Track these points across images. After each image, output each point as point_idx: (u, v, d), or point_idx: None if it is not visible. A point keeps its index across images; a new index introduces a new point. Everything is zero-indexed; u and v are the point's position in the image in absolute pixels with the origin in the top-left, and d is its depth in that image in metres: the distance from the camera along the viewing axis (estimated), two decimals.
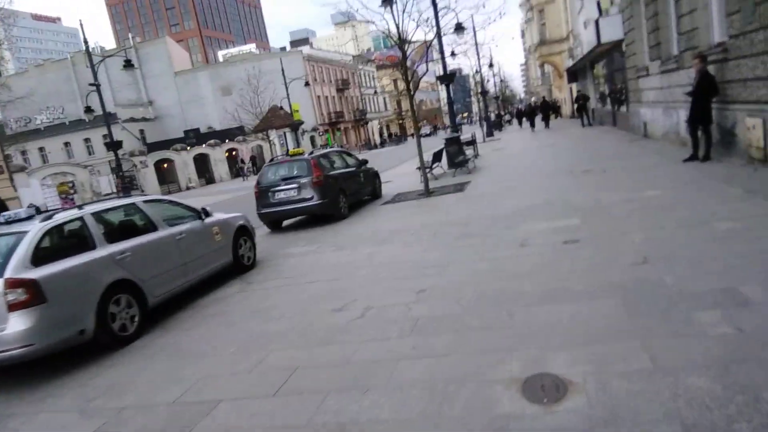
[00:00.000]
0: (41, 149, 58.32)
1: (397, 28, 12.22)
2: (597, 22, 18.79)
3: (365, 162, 13.44)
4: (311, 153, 11.46)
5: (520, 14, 77.80)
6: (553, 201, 8.88)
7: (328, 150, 12.53)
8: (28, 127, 59.36)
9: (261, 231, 11.58)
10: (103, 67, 63.77)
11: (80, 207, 5.88)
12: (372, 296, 5.58)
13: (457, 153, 17.18)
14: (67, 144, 59.25)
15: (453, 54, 36.26)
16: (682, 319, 3.74)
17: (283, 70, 38.02)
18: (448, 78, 17.96)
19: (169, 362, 4.86)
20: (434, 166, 16.48)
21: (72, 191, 26.72)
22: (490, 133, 35.40)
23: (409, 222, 9.53)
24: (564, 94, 46.10)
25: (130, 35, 68.29)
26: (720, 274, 4.36)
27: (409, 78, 12.82)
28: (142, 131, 60.87)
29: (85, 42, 21.24)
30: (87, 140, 58.90)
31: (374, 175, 13.89)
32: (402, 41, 12.35)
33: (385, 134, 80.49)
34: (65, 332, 5.00)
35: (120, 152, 46.17)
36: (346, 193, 11.63)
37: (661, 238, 5.67)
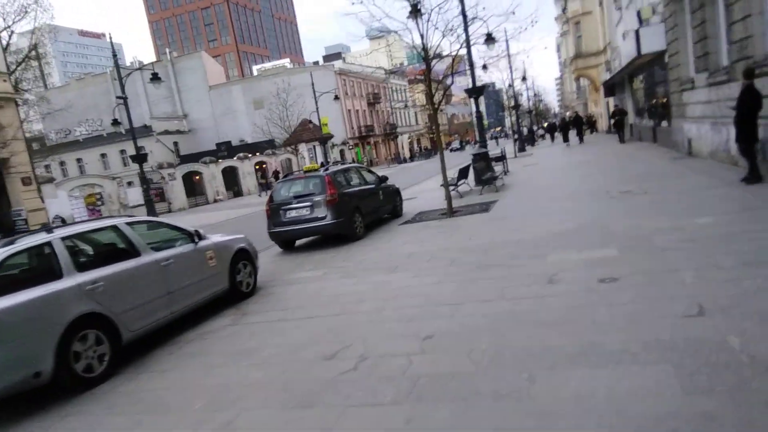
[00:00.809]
0: (79, 160, 59.79)
1: (422, 38, 11.52)
2: (637, 33, 17.69)
3: (385, 179, 12.70)
4: (326, 169, 10.80)
5: (555, 27, 76.45)
6: (587, 226, 7.93)
7: (345, 166, 11.85)
8: (68, 139, 61.12)
9: (272, 251, 10.96)
10: (140, 80, 65.50)
11: (50, 230, 5.29)
12: (370, 341, 4.79)
13: (484, 169, 16.29)
14: (103, 155, 60.59)
15: (485, 67, 35.41)
16: (758, 402, 2.83)
17: (313, 83, 37.87)
18: (477, 91, 17.14)
19: (126, 417, 4.17)
20: (460, 183, 15.64)
21: (99, 202, 26.86)
22: (522, 148, 34.31)
23: (427, 246, 8.72)
24: (600, 108, 44.59)
25: (167, 50, 69.88)
26: None
27: (434, 91, 12.07)
28: (176, 143, 61.84)
29: (114, 55, 21.33)
30: (123, 151, 60.09)
31: (394, 193, 13.14)
32: (426, 53, 11.63)
33: (416, 148, 79.85)
34: (16, 375, 4.38)
35: (148, 165, 47.03)
36: (362, 212, 10.91)
37: (718, 280, 4.71)
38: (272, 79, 57.54)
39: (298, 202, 10.22)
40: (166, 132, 60.93)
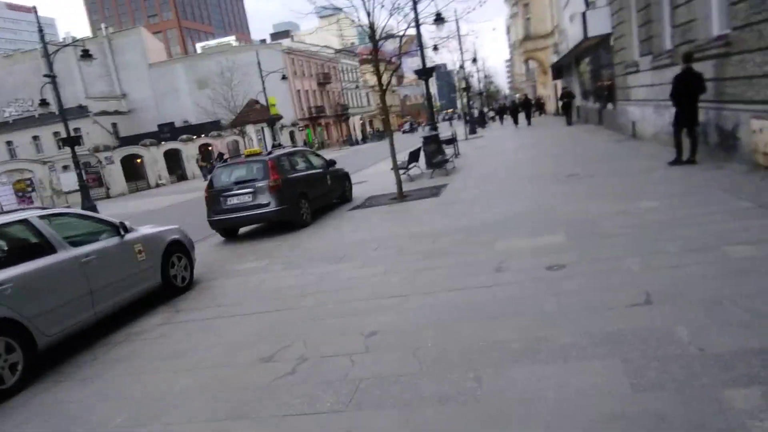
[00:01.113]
0: (9, 143, 55.99)
1: (368, 16, 11.12)
2: (584, 15, 17.86)
3: (333, 163, 12.31)
4: (269, 153, 10.30)
5: (505, 9, 76.96)
6: (534, 210, 7.87)
7: (290, 150, 11.37)
8: None
9: (213, 240, 10.45)
10: (73, 58, 61.63)
11: None
12: (311, 340, 4.50)
13: (435, 152, 16.14)
14: (36, 138, 56.95)
15: (435, 48, 35.26)
16: (707, 400, 2.73)
17: (259, 62, 36.58)
18: (427, 72, 16.88)
19: None
20: (411, 166, 15.43)
21: (30, 189, 25.13)
22: (473, 131, 34.47)
23: (375, 233, 8.46)
24: (549, 90, 45.38)
25: (103, 25, 65.96)
26: (749, 327, 3.36)
27: (382, 72, 11.72)
28: (114, 125, 58.83)
29: (40, 30, 19.73)
30: (56, 134, 56.55)
31: (343, 177, 12.78)
32: (373, 32, 11.23)
33: (369, 129, 79.21)
34: None
35: (85, 147, 44.47)
36: (309, 198, 10.51)
37: (664, 266, 4.66)
38: (216, 58, 55.39)
39: (239, 188, 9.71)
40: (104, 113, 57.81)
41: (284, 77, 36.96)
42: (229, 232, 10.40)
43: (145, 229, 6.56)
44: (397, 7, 11.33)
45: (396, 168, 11.98)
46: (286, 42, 65.71)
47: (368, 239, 8.03)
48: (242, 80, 40.62)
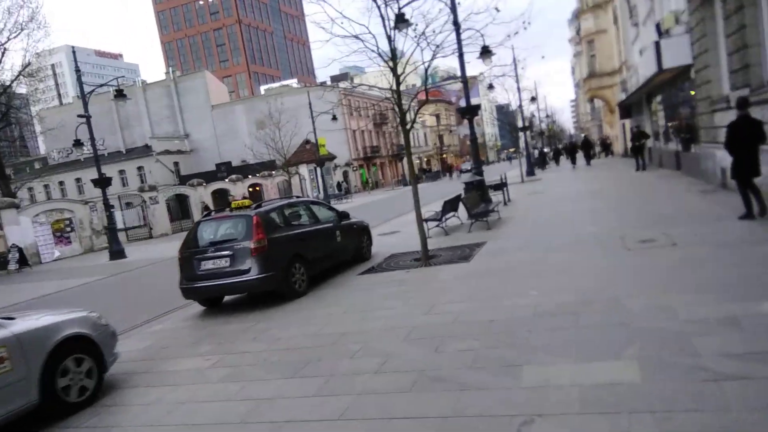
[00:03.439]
0: (78, 180, 58.56)
1: (389, 41, 9.30)
2: (657, 45, 15.29)
3: (345, 215, 10.35)
4: (258, 206, 8.43)
5: (569, 49, 74.28)
6: (589, 301, 5.47)
7: (287, 201, 9.46)
8: (70, 158, 59.91)
9: (189, 310, 8.61)
10: (142, 100, 64.58)
11: None
12: None
13: (477, 201, 13.87)
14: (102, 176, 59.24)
15: (491, 86, 33.28)
16: None
17: (310, 103, 35.91)
18: (470, 111, 14.83)
19: None
20: (448, 216, 13.27)
21: (69, 229, 24.82)
22: (530, 172, 31.80)
23: (369, 321, 6.28)
24: (616, 130, 42.08)
25: (170, 69, 69.04)
26: None
27: (406, 108, 9.81)
28: (176, 164, 60.38)
29: (77, 71, 19.49)
30: (121, 172, 58.79)
31: (359, 232, 10.73)
32: (394, 58, 9.38)
33: (426, 168, 77.48)
34: None
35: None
36: (307, 261, 8.53)
37: None
38: (274, 99, 56.03)
39: (215, 250, 7.87)
40: (167, 152, 59.52)
41: (335, 118, 35.91)
42: (211, 301, 8.56)
43: (24, 322, 4.73)
44: (421, 34, 9.33)
45: (421, 224, 9.84)
46: (342, 83, 65.89)
47: (355, 332, 5.88)
48: (296, 121, 40.06)
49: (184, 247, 8.25)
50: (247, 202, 8.71)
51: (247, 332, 6.69)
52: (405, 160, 60.19)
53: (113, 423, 4.51)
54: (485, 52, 15.15)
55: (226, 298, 8.79)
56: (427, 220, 12.60)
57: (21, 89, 36.18)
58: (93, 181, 20.75)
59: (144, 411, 4.64)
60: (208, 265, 7.87)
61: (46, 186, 62.23)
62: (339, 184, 52.99)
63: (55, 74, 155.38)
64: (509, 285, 6.83)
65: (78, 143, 21.46)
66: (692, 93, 15.67)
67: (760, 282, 5.15)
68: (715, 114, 12.60)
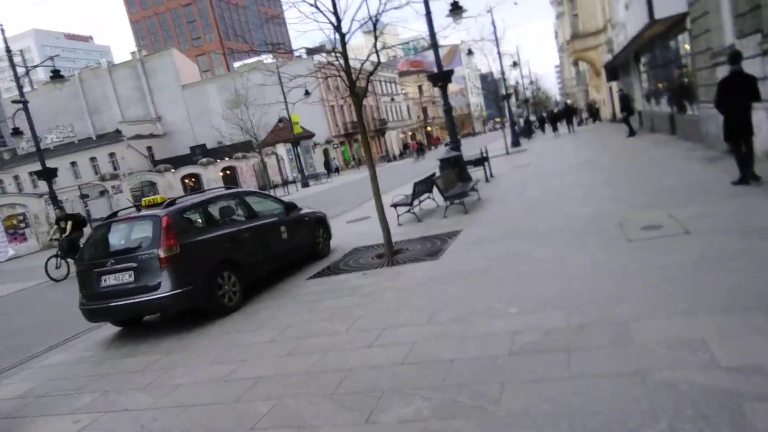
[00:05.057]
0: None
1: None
2: None
3: (293, 207, 8.74)
4: (170, 203, 6.78)
5: (551, 12, 71.77)
6: (588, 326, 3.98)
7: (211, 195, 7.76)
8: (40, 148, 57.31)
9: (102, 332, 7.05)
10: (110, 83, 61.60)
11: None
12: None
13: (453, 181, 12.30)
14: (73, 164, 56.79)
15: (470, 52, 31.40)
16: None
17: (279, 77, 33.80)
18: (442, 78, 13.14)
19: None
20: (421, 199, 11.75)
21: (23, 225, 22.97)
22: (515, 143, 30.23)
23: (297, 360, 4.76)
24: (603, 94, 40.49)
25: (136, 48, 65.83)
26: None
27: (354, 77, 8.16)
28: (150, 148, 57.93)
29: (8, 51, 17.40)
30: (93, 159, 56.34)
31: (313, 226, 9.14)
32: (338, 17, 7.69)
33: (409, 142, 75.53)
34: None
35: (119, 172, 43.09)
36: (239, 267, 6.96)
37: None
38: (247, 76, 53.46)
39: (116, 262, 6.27)
40: (138, 136, 56.96)
41: (307, 93, 33.94)
42: (123, 320, 6.99)
43: None
44: None
45: (383, 216, 8.26)
46: (318, 57, 63.31)
47: (272, 378, 4.36)
48: (271, 98, 37.80)
49: (81, 258, 6.64)
50: (159, 198, 7.05)
51: (145, 374, 5.14)
52: (385, 135, 57.61)
53: None
54: (456, 8, 13.39)
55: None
56: (396, 206, 11.10)
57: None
58: (36, 173, 18.85)
59: None
60: (109, 280, 6.27)
61: (16, 177, 59.77)
62: (327, 162, 50.97)
63: (24, 60, 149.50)
64: (482, 296, 5.32)
65: (17, 132, 19.40)
66: (686, 47, 14.12)
67: None
68: (718, 68, 11.05)
